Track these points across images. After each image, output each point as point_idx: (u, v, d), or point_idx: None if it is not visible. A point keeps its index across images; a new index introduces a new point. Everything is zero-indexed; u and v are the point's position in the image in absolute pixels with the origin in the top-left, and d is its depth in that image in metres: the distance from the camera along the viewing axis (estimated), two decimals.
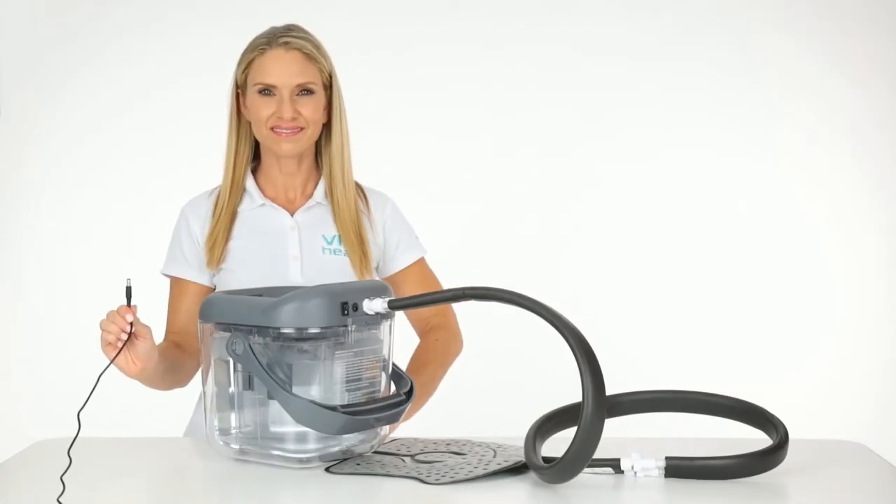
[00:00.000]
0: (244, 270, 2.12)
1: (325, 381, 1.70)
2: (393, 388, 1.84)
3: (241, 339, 1.69)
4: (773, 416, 1.75)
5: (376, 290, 1.75)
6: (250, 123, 2.15)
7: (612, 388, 1.67)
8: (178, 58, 4.05)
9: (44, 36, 4.03)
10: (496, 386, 3.72)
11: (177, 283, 2.21)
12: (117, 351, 1.79)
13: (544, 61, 4.01)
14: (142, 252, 4.03)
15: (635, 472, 1.67)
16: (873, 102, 4.04)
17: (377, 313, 1.73)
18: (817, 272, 4.06)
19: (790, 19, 4.04)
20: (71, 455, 1.64)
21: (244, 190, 2.18)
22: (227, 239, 2.14)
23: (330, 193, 2.18)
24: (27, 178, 4.06)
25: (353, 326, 1.72)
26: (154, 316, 4.15)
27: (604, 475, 1.67)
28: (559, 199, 4.06)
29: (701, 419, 1.85)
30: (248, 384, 1.72)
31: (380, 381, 1.78)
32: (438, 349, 2.23)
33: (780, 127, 4.06)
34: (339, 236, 2.17)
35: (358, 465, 1.73)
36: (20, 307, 4.07)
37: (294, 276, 2.12)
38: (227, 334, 1.72)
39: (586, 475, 1.64)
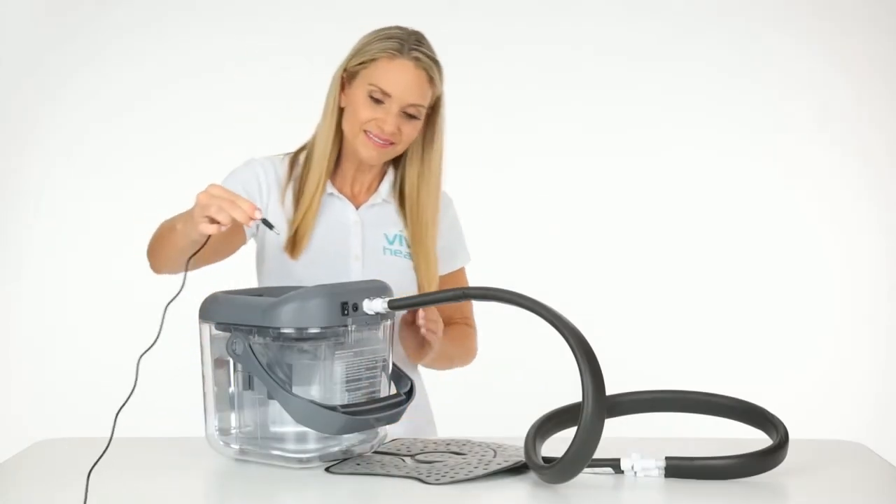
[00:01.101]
0: (315, 267, 2.08)
1: (325, 381, 1.70)
2: (393, 388, 1.84)
3: (241, 339, 1.69)
4: (773, 416, 1.75)
5: (376, 290, 1.75)
6: (342, 110, 2.09)
7: (612, 388, 1.67)
8: (177, 58, 4.05)
9: (43, 36, 4.04)
10: (496, 386, 3.72)
11: None
12: (215, 225, 1.67)
13: (544, 61, 4.01)
14: (141, 251, 4.04)
15: (635, 472, 1.67)
16: (872, 102, 4.05)
17: (377, 313, 1.73)
18: (817, 272, 4.06)
19: (790, 19, 4.04)
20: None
21: None
22: (312, 229, 2.08)
23: (415, 213, 2.13)
24: (27, 178, 4.06)
25: (353, 326, 1.72)
26: (154, 310, 4.15)
27: (604, 475, 1.67)
28: (558, 199, 4.06)
29: (701, 419, 1.85)
30: (248, 384, 1.72)
31: (380, 381, 1.78)
32: (470, 342, 2.24)
33: (780, 127, 4.06)
34: (402, 237, 2.14)
35: (358, 465, 1.73)
36: (20, 307, 4.07)
37: (355, 275, 2.09)
38: (227, 334, 1.72)
39: (586, 475, 1.64)
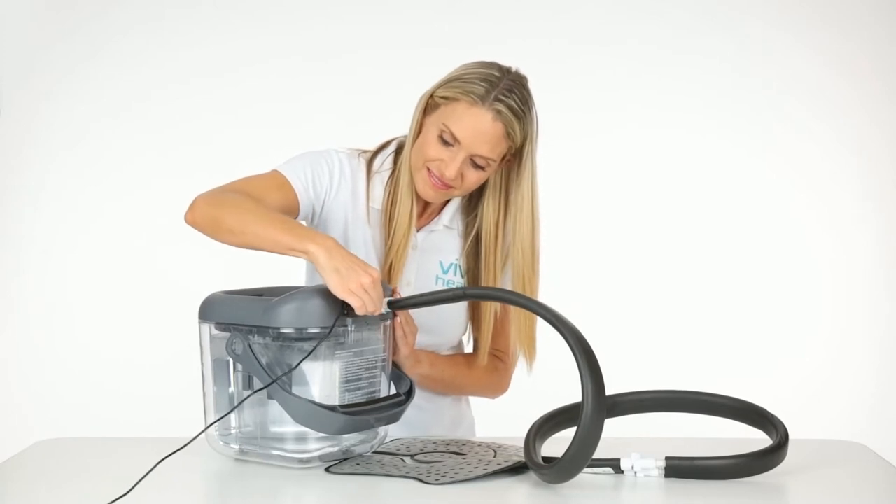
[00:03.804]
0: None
1: (325, 381, 1.70)
2: (393, 388, 1.84)
3: (241, 339, 1.69)
4: (772, 416, 1.76)
5: None
6: None
7: (612, 388, 1.67)
8: (177, 58, 4.05)
9: (43, 34, 4.04)
10: None
11: (283, 181, 1.97)
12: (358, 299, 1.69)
13: (538, 57, 3.99)
14: (141, 251, 4.05)
15: (635, 472, 1.67)
16: (869, 102, 4.05)
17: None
18: (816, 272, 4.06)
19: (789, 17, 4.04)
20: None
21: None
22: (404, 264, 2.01)
23: (493, 266, 2.03)
24: (26, 177, 4.06)
25: (353, 326, 1.72)
26: (155, 309, 4.12)
27: (604, 475, 1.67)
28: (556, 198, 4.05)
29: (701, 419, 1.85)
30: (248, 384, 1.72)
31: (379, 381, 1.78)
32: (492, 376, 2.12)
33: (776, 126, 4.06)
34: (458, 266, 2.07)
35: (358, 465, 1.73)
36: (20, 307, 4.07)
37: None
38: (227, 334, 1.72)
39: (586, 475, 1.65)
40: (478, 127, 1.89)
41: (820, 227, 4.07)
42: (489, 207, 2.03)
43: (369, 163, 2.06)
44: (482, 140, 1.89)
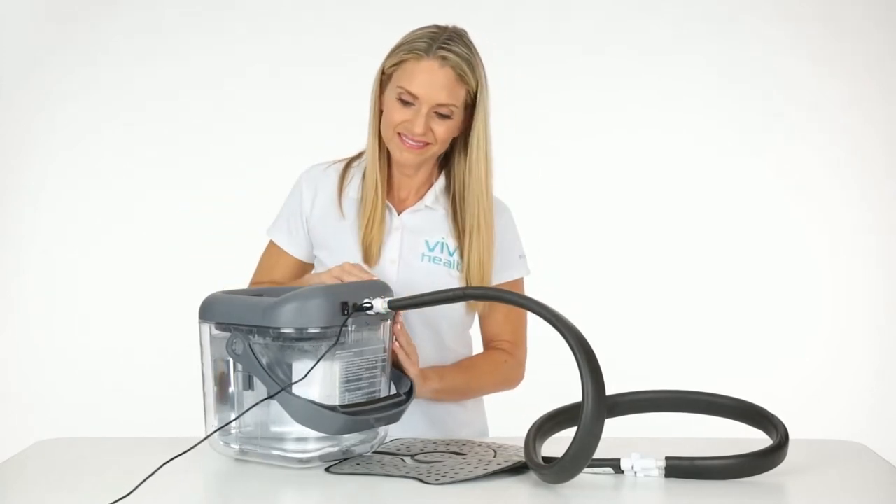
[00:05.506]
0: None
1: (326, 381, 1.70)
2: (393, 388, 1.84)
3: (241, 339, 1.69)
4: (773, 416, 1.76)
5: (376, 290, 1.75)
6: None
7: (612, 388, 1.67)
8: (177, 58, 4.05)
9: (43, 35, 4.04)
10: None
11: (276, 248, 2.17)
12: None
13: (536, 60, 4.00)
14: (141, 251, 4.05)
15: (635, 472, 1.67)
16: (864, 102, 4.05)
17: (377, 313, 1.73)
18: (816, 272, 4.07)
19: (784, 19, 4.05)
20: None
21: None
22: (381, 241, 2.08)
23: (462, 214, 2.08)
24: (26, 177, 4.06)
25: (353, 326, 1.72)
26: (154, 310, 4.12)
27: (604, 475, 1.67)
28: (556, 199, 4.06)
29: (701, 419, 1.85)
30: (248, 384, 1.72)
31: (380, 381, 1.78)
32: (501, 371, 2.15)
33: (774, 127, 4.07)
34: (445, 244, 2.10)
35: (358, 465, 1.73)
36: (20, 307, 4.07)
37: (391, 279, 2.03)
38: (227, 334, 1.72)
39: (586, 475, 1.65)
40: (430, 78, 1.97)
41: (819, 227, 4.08)
42: (458, 165, 2.09)
43: (349, 163, 2.14)
44: (437, 88, 1.97)
